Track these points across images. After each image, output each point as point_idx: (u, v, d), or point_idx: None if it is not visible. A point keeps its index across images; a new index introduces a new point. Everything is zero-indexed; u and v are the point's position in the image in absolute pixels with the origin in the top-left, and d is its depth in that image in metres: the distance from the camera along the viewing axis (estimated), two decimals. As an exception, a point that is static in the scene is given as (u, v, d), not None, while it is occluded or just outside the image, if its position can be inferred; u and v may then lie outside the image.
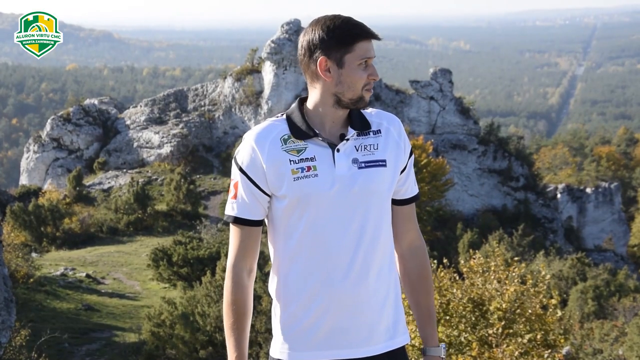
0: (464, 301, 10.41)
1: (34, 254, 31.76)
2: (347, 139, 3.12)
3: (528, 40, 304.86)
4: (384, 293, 3.22)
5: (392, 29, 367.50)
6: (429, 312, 3.38)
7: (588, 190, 59.57)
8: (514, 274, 10.69)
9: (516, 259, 11.59)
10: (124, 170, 50.63)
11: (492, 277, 10.66)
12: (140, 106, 56.71)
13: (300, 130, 3.13)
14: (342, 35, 3.06)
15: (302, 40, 3.16)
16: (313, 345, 3.16)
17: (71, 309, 23.59)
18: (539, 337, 9.96)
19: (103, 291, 26.84)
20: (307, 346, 3.17)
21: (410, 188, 3.31)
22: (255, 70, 53.64)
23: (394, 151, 3.20)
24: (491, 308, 10.23)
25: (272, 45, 51.80)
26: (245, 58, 56.32)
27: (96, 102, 57.76)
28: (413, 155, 3.31)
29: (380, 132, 3.20)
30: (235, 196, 3.19)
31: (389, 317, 3.24)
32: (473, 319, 10.31)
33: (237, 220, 3.19)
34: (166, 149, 51.09)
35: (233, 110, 53.57)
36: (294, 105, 3.22)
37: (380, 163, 3.14)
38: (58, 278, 27.43)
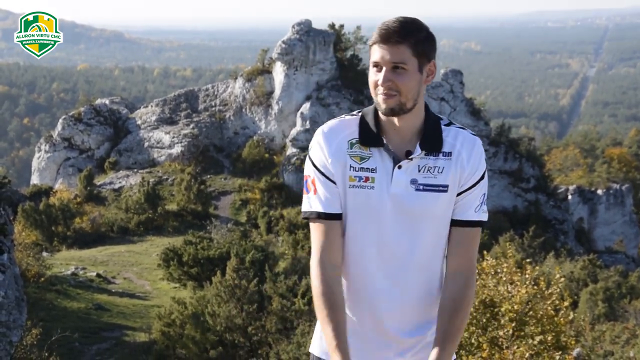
0: (475, 303, 10.38)
1: (44, 253, 31.84)
2: (411, 159, 2.99)
3: (539, 42, 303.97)
4: (427, 327, 3.12)
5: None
6: (444, 335, 3.02)
7: (599, 191, 59.34)
8: (527, 276, 10.65)
9: (528, 260, 11.55)
10: (135, 170, 50.75)
11: (504, 278, 10.62)
12: (151, 106, 56.84)
13: (369, 137, 3.02)
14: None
15: None
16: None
17: (82, 308, 23.63)
18: (549, 338, 9.92)
19: (113, 291, 26.89)
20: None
21: (461, 211, 3.08)
22: (266, 71, 53.67)
23: (457, 177, 3.03)
24: (502, 310, 10.19)
25: (283, 45, 51.80)
26: (256, 58, 56.37)
27: (107, 102, 57.94)
28: (484, 181, 3.09)
29: (451, 155, 3.02)
30: (315, 192, 3.08)
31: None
32: (484, 320, 10.28)
33: (318, 216, 3.08)
34: (177, 149, 51.18)
35: (244, 110, 53.60)
36: (372, 105, 3.07)
37: (440, 188, 3.00)
38: (69, 277, 27.49)
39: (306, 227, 37.44)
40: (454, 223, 3.10)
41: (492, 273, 10.82)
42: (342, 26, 55.24)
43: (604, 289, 30.38)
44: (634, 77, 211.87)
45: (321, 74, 52.12)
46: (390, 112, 2.93)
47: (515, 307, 10.12)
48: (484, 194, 3.11)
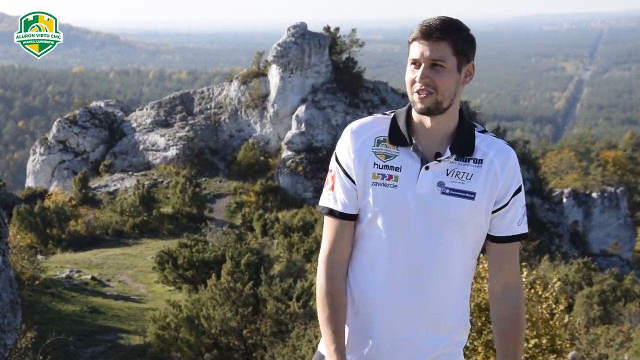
0: (471, 306, 10.38)
1: (39, 256, 31.78)
2: (440, 161, 2.89)
3: (534, 45, 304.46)
4: (436, 338, 3.03)
5: (397, 33, 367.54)
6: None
7: (594, 194, 59.46)
8: (522, 279, 10.67)
9: (523, 264, 11.57)
10: (130, 172, 50.69)
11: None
12: (147, 109, 56.79)
13: (397, 135, 2.94)
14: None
15: None
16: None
17: (76, 311, 23.59)
18: (544, 342, 9.93)
19: (108, 293, 26.85)
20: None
21: (506, 226, 3.00)
22: (261, 74, 53.68)
23: (488, 186, 2.92)
24: (497, 313, 10.19)
25: (279, 48, 51.83)
26: (252, 61, 56.40)
27: (102, 104, 57.90)
28: (521, 194, 3.02)
29: (482, 163, 2.93)
30: (332, 188, 3.02)
31: None
32: (479, 324, 10.28)
33: (331, 213, 3.03)
34: (172, 152, 51.13)
35: (239, 113, 53.59)
36: (407, 106, 3.00)
37: (467, 195, 2.90)
38: (63, 280, 27.45)
39: (301, 230, 37.40)
40: (499, 239, 3.02)
41: (488, 277, 10.83)
42: (337, 29, 55.28)
43: (599, 292, 30.42)
44: (629, 80, 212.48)
45: (316, 77, 52.15)
46: (426, 110, 2.85)
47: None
48: (524, 205, 3.04)
